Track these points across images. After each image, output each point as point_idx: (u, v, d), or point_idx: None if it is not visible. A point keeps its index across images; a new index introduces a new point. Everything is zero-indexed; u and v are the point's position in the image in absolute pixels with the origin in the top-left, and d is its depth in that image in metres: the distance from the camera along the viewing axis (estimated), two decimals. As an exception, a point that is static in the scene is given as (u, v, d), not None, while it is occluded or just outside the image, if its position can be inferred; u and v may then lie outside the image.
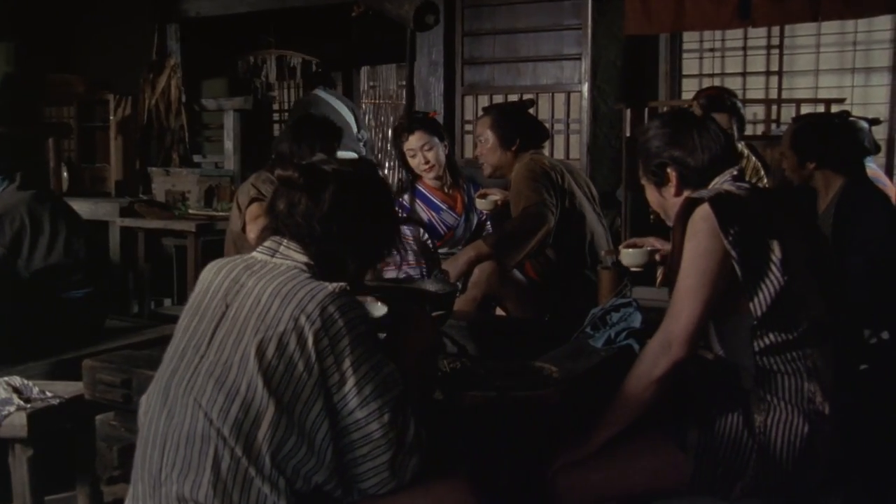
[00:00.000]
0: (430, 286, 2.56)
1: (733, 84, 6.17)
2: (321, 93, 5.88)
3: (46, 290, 3.56)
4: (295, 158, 3.26)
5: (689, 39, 6.16)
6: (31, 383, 2.79)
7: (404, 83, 9.95)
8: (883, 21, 5.52)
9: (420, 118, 3.59)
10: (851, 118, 3.33)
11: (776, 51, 5.98)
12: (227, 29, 6.63)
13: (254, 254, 1.70)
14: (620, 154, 4.94)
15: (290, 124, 3.90)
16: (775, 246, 1.79)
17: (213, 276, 1.68)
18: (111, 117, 6.10)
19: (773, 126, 5.68)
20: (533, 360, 2.20)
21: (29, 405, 2.65)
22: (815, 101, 5.31)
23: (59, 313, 3.61)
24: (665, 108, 5.43)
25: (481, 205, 3.40)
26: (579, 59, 4.63)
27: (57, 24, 6.46)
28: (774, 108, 5.82)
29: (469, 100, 4.87)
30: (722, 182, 1.93)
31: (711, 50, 6.30)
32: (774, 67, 6.00)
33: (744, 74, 6.17)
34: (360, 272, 1.74)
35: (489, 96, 4.89)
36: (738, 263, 1.76)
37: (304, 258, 1.65)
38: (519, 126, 3.29)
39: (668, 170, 1.98)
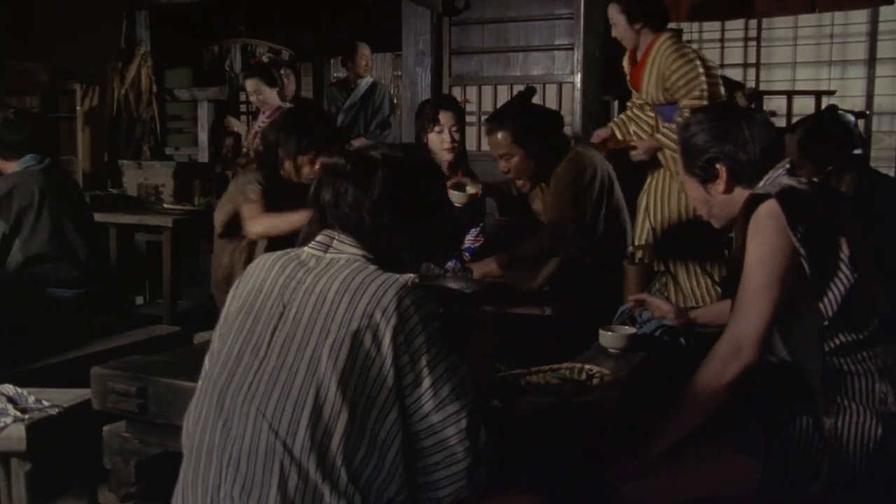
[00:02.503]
0: (454, 283, 2.46)
1: (711, 76, 6.19)
2: None
3: (34, 283, 3.42)
4: (280, 150, 3.14)
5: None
6: (25, 392, 2.62)
7: (399, 73, 9.82)
8: (859, 15, 5.58)
9: (453, 99, 3.51)
10: (839, 112, 3.34)
11: (753, 43, 6.01)
12: (198, 17, 6.42)
13: (305, 249, 1.58)
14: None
15: (282, 114, 3.76)
16: (843, 243, 1.73)
17: (264, 274, 1.56)
18: (78, 108, 5.85)
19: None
20: (578, 362, 2.13)
21: (26, 416, 2.49)
22: (806, 92, 5.33)
23: (47, 311, 3.45)
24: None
25: (455, 197, 3.02)
26: (571, 49, 4.54)
27: (15, 8, 6.18)
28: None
29: (457, 91, 4.75)
30: (777, 176, 1.87)
31: (688, 41, 6.28)
32: (752, 59, 6.03)
33: (721, 66, 6.17)
34: (415, 267, 1.62)
35: (478, 87, 4.79)
36: (808, 261, 1.70)
37: (360, 252, 1.54)
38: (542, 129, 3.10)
39: (718, 165, 1.91)
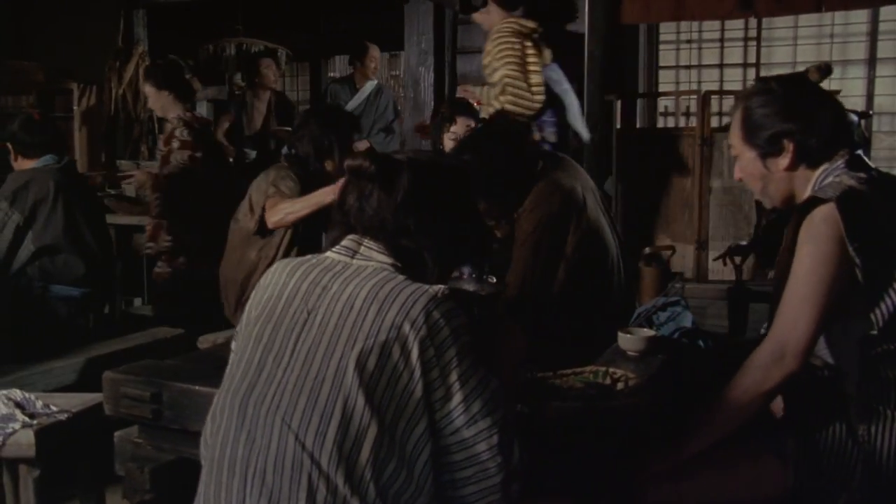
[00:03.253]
0: (469, 286, 2.43)
1: (710, 76, 6.19)
2: None
3: (42, 279, 3.44)
4: (314, 148, 3.11)
5: (666, 30, 6.15)
6: (32, 396, 2.58)
7: (395, 73, 9.76)
8: (859, 14, 5.57)
9: (465, 104, 3.46)
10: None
11: (753, 43, 5.99)
12: (196, 15, 6.37)
13: (328, 254, 1.54)
14: (610, 145, 4.86)
15: (314, 113, 3.71)
16: None
17: (284, 279, 1.51)
18: (75, 107, 5.80)
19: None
20: (602, 365, 2.10)
21: (35, 421, 2.45)
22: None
23: (52, 311, 3.44)
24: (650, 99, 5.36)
25: None
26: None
27: (12, 7, 6.11)
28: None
29: (460, 92, 4.70)
30: (836, 168, 1.78)
31: (688, 41, 6.30)
32: (752, 59, 6.01)
33: (721, 66, 6.17)
34: (443, 275, 1.59)
35: (482, 87, 4.74)
36: (862, 272, 1.65)
37: (388, 259, 1.50)
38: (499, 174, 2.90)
39: (785, 141, 1.80)
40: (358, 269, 1.47)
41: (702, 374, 2.26)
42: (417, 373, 1.36)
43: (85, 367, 3.24)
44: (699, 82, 6.16)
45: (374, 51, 6.08)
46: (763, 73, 5.91)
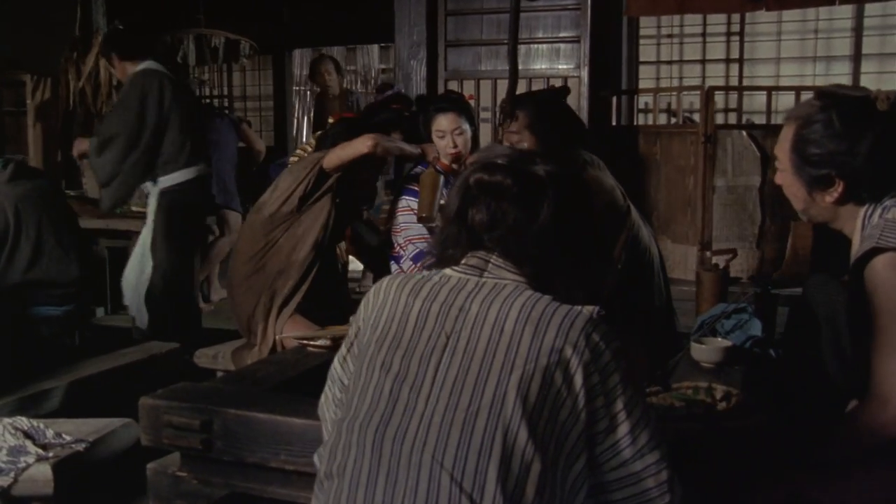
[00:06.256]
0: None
1: (692, 72, 6.13)
2: None
3: (18, 302, 3.04)
4: None
5: (647, 25, 6.05)
6: (41, 425, 2.30)
7: (353, 68, 9.49)
8: (844, 10, 5.57)
9: (455, 99, 3.24)
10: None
11: (736, 38, 5.95)
12: (157, 3, 6.00)
13: (449, 272, 1.37)
14: (607, 142, 4.73)
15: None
16: None
17: (406, 300, 1.34)
18: (28, 101, 5.38)
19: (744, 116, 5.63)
20: (703, 381, 1.94)
21: (50, 454, 2.17)
22: (790, 88, 5.27)
23: (33, 331, 3.09)
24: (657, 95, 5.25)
25: None
26: (577, 42, 4.36)
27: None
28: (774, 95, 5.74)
29: (453, 86, 4.52)
30: (885, 204, 1.69)
31: (669, 36, 6.22)
32: (735, 55, 5.97)
33: (703, 62, 6.11)
34: (593, 295, 1.41)
35: (476, 82, 4.57)
36: None
37: (521, 279, 1.34)
38: (562, 131, 2.87)
39: (836, 180, 1.71)
40: (495, 289, 1.32)
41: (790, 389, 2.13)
42: (581, 401, 1.23)
43: (78, 388, 2.94)
44: (680, 78, 6.09)
45: (326, 64, 5.84)
46: (746, 69, 5.88)
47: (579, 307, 1.28)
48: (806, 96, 4.56)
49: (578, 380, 1.22)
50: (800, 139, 1.76)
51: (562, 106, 3.13)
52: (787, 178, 1.82)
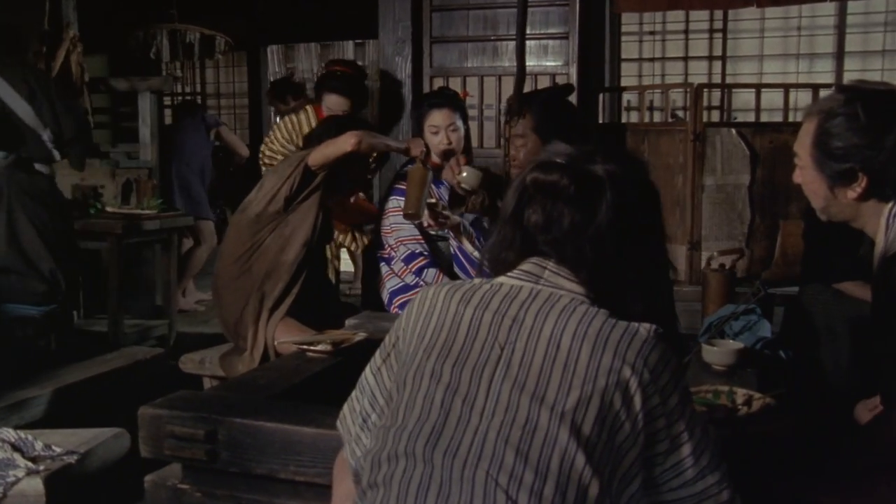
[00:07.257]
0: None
1: (674, 69, 6.12)
2: None
3: None
4: None
5: (629, 21, 6.02)
6: (30, 436, 2.19)
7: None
8: (827, 7, 5.58)
9: (450, 95, 3.17)
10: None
11: (719, 35, 5.94)
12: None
13: (502, 280, 1.30)
14: (594, 141, 4.70)
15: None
16: None
17: (455, 307, 1.27)
18: (-4, 98, 5.19)
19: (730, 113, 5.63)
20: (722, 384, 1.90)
21: (40, 467, 2.06)
22: (774, 85, 5.28)
23: (9, 333, 3.00)
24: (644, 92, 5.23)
25: (467, 179, 2.93)
26: (566, 38, 4.30)
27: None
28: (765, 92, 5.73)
29: (438, 83, 4.43)
30: None
31: (652, 33, 6.20)
32: (718, 52, 5.97)
33: (685, 59, 6.10)
34: (649, 310, 1.35)
35: (462, 79, 4.49)
36: None
37: (580, 288, 1.26)
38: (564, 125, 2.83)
39: (860, 175, 1.67)
40: (550, 300, 1.25)
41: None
42: (640, 423, 1.17)
43: (61, 396, 2.84)
44: (663, 75, 6.08)
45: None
46: (729, 67, 5.87)
47: (636, 325, 1.22)
48: (794, 93, 4.63)
49: (638, 402, 1.17)
50: (822, 133, 1.71)
51: (567, 105, 3.08)
52: (807, 174, 1.77)
